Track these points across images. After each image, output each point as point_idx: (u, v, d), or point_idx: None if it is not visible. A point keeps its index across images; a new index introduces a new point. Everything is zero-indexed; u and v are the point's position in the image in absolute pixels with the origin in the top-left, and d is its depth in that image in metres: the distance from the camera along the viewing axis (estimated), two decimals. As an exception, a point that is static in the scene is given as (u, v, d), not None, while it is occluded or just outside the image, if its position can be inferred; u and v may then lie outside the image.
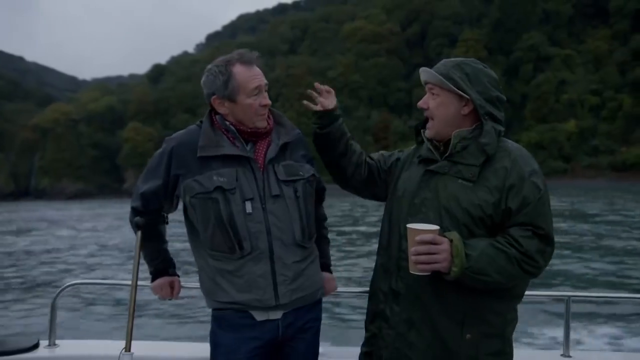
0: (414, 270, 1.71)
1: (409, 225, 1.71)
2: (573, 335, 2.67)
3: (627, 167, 71.54)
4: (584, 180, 69.34)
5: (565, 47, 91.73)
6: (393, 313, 1.86)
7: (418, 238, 1.67)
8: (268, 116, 2.07)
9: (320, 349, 2.18)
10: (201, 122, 2.06)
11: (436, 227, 1.70)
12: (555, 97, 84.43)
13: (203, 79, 2.03)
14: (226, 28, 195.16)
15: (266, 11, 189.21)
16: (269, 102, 2.02)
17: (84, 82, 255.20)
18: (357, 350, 2.39)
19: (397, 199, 1.95)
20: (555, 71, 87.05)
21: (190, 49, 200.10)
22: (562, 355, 2.65)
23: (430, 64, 1.95)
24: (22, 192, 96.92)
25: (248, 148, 2.01)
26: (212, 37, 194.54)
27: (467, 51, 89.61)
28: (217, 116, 2.04)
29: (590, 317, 7.46)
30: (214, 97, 1.99)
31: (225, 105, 1.99)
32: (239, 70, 1.96)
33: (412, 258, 1.69)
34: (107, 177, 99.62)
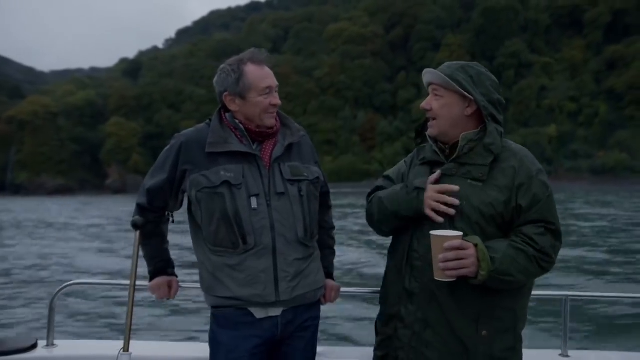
0: (440, 277, 1.73)
1: (432, 233, 1.74)
2: (571, 335, 2.66)
3: (607, 170, 75.97)
4: (567, 183, 72.93)
5: (543, 55, 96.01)
6: (408, 313, 1.88)
7: (447, 245, 1.69)
8: (275, 118, 2.12)
9: (318, 349, 2.19)
10: (210, 120, 2.11)
11: (459, 233, 1.73)
12: (537, 103, 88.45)
13: (215, 78, 2.09)
14: (197, 24, 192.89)
15: (239, 8, 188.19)
16: (279, 102, 2.08)
17: (42, 74, 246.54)
18: (355, 350, 2.52)
19: None
20: (535, 78, 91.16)
21: (159, 44, 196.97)
22: (560, 354, 2.64)
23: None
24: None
25: (255, 147, 2.06)
26: (183, 33, 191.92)
27: (451, 56, 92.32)
28: (226, 114, 2.10)
29: (589, 317, 7.52)
30: (225, 93, 2.05)
31: (236, 103, 2.05)
32: (250, 69, 2.02)
33: (440, 265, 1.71)
34: (88, 173, 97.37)
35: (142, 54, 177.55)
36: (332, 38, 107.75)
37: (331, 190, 2.32)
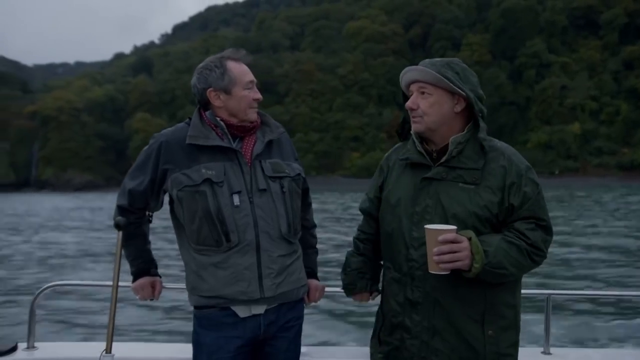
0: (434, 270, 1.74)
1: (427, 226, 1.74)
2: (553, 333, 2.65)
3: (635, 166, 79.16)
4: (595, 179, 75.71)
5: (561, 55, 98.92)
6: (414, 323, 1.88)
7: (441, 238, 1.70)
8: (257, 113, 2.13)
9: (303, 349, 2.19)
10: (189, 119, 2.11)
11: (453, 227, 1.74)
12: (559, 101, 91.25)
13: (194, 78, 2.08)
14: (194, 20, 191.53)
15: (237, 4, 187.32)
16: (260, 96, 2.11)
17: (26, 67, 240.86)
18: (339, 349, 2.57)
19: (391, 209, 1.96)
20: (555, 77, 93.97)
21: (155, 39, 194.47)
22: (542, 352, 2.64)
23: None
24: (22, 182, 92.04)
25: (235, 144, 2.06)
26: (180, 28, 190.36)
27: (472, 55, 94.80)
28: (206, 112, 2.09)
29: (571, 315, 7.55)
30: (209, 89, 2.04)
31: (220, 98, 2.05)
32: (232, 65, 2.05)
33: (434, 258, 1.71)
34: (113, 169, 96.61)
35: (137, 49, 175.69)
36: (352, 36, 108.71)
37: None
